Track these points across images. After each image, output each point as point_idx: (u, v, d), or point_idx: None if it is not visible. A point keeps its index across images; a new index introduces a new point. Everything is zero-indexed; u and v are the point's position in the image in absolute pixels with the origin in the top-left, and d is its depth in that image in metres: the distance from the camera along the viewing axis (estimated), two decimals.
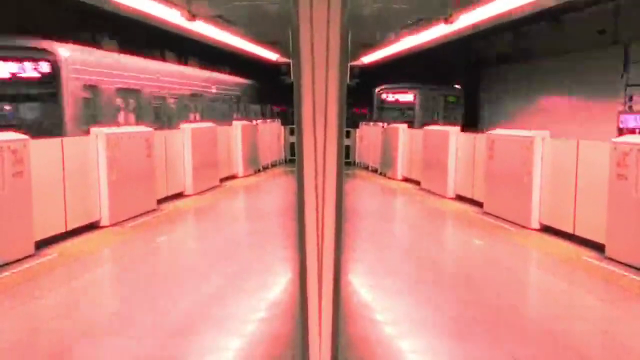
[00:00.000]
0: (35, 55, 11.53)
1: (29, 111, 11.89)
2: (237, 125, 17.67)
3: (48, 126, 10.62)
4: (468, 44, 22.49)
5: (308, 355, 2.72)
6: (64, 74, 11.56)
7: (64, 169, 8.54)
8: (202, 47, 18.14)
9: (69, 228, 8.60)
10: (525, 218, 9.69)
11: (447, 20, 12.31)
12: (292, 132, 22.14)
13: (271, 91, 26.18)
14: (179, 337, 5.03)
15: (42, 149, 8.09)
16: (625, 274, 6.93)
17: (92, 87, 12.50)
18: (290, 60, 2.76)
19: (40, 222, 7.79)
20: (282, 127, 23.10)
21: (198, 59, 20.70)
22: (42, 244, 7.87)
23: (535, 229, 9.47)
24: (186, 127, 13.62)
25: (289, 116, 26.03)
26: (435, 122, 20.77)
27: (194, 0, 11.63)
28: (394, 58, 20.86)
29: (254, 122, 20.12)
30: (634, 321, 5.63)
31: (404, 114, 23.84)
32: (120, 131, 10.38)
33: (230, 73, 23.43)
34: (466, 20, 12.49)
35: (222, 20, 13.84)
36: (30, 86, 11.62)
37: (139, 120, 14.26)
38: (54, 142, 8.73)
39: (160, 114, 15.96)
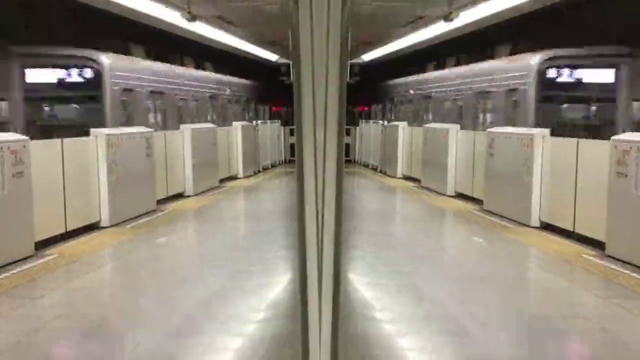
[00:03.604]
0: (80, 62, 12.61)
1: (73, 112, 12.92)
2: (237, 126, 17.67)
3: (91, 126, 10.60)
4: None
5: (308, 356, 2.72)
6: (106, 79, 12.61)
7: (64, 169, 8.54)
8: (203, 47, 18.14)
9: (69, 229, 8.60)
10: (525, 216, 9.70)
11: (447, 18, 12.31)
12: (291, 133, 22.00)
13: (268, 91, 26.08)
14: (180, 337, 5.03)
15: (42, 150, 8.09)
16: (625, 271, 6.93)
17: (128, 91, 13.42)
18: (290, 60, 2.76)
19: (40, 223, 7.78)
20: (282, 128, 23.07)
21: (199, 60, 20.47)
22: (42, 245, 7.87)
23: (535, 227, 9.47)
24: (186, 128, 13.62)
25: (283, 116, 25.82)
26: None
27: (194, 1, 11.63)
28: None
29: (254, 122, 20.13)
30: (634, 319, 5.63)
31: (588, 109, 13.06)
32: (120, 132, 10.38)
33: (232, 74, 23.27)
34: (466, 18, 12.49)
35: (222, 21, 13.85)
36: (76, 90, 12.67)
37: (166, 120, 15.33)
38: (54, 142, 8.73)
39: (183, 114, 16.78)
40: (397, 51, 19.80)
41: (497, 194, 10.88)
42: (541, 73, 12.67)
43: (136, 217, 10.22)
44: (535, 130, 9.89)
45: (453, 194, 13.12)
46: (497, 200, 10.86)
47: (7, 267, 6.95)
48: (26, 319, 5.52)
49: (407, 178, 16.57)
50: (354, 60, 22.28)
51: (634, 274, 6.80)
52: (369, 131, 21.12)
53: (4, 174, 7.01)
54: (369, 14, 12.75)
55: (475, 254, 8.57)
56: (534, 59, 12.95)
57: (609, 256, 7.51)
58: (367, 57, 22.33)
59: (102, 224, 9.42)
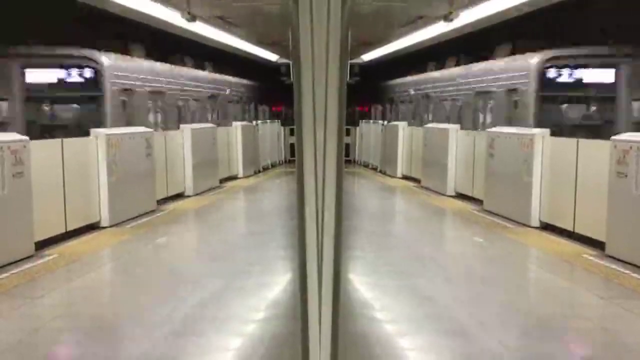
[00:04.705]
0: (81, 62, 12.68)
1: (72, 112, 13.03)
2: (237, 126, 17.68)
3: (91, 126, 10.70)
4: None
5: (308, 355, 2.72)
6: (106, 79, 12.72)
7: (64, 169, 8.54)
8: (203, 47, 18.13)
9: (69, 229, 8.60)
10: (525, 216, 9.69)
11: (447, 18, 12.31)
12: (291, 133, 21.97)
13: (268, 92, 26.05)
14: (179, 338, 5.03)
15: (42, 150, 8.09)
16: (626, 272, 6.93)
17: (127, 91, 13.48)
18: (290, 60, 2.76)
19: (40, 223, 7.78)
20: (282, 128, 23.07)
21: (201, 61, 20.54)
22: (42, 245, 7.87)
23: (535, 227, 9.47)
24: (186, 128, 13.62)
25: (281, 116, 25.80)
26: None
27: (194, 2, 11.63)
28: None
29: (254, 122, 20.13)
30: (634, 319, 5.63)
31: (588, 109, 12.93)
32: (120, 132, 10.39)
33: (233, 75, 23.34)
34: (466, 18, 12.48)
35: (222, 21, 13.85)
36: (75, 90, 12.72)
37: (165, 120, 15.49)
38: (54, 142, 8.73)
39: (183, 114, 16.97)
40: (396, 51, 19.86)
41: (497, 194, 10.87)
42: (541, 73, 12.55)
43: (136, 217, 10.21)
44: (536, 130, 9.89)
45: (453, 194, 13.12)
46: (497, 201, 10.86)
47: (7, 267, 6.94)
48: (27, 319, 5.53)
49: (407, 178, 16.57)
50: (354, 60, 22.27)
51: (635, 274, 6.80)
52: (369, 131, 21.12)
53: (4, 174, 7.01)
54: (369, 14, 12.75)
55: (476, 254, 8.56)
56: (534, 59, 12.84)
57: (609, 256, 7.50)
58: (367, 57, 22.33)
59: (102, 224, 9.42)
